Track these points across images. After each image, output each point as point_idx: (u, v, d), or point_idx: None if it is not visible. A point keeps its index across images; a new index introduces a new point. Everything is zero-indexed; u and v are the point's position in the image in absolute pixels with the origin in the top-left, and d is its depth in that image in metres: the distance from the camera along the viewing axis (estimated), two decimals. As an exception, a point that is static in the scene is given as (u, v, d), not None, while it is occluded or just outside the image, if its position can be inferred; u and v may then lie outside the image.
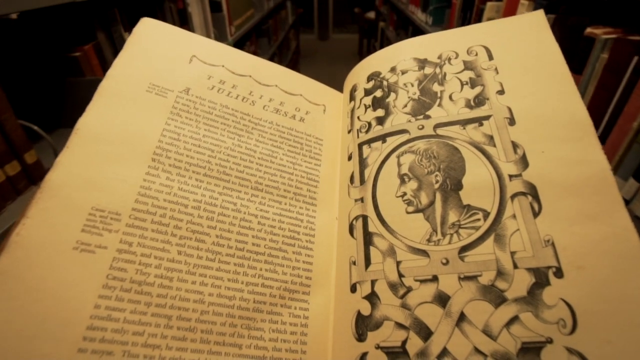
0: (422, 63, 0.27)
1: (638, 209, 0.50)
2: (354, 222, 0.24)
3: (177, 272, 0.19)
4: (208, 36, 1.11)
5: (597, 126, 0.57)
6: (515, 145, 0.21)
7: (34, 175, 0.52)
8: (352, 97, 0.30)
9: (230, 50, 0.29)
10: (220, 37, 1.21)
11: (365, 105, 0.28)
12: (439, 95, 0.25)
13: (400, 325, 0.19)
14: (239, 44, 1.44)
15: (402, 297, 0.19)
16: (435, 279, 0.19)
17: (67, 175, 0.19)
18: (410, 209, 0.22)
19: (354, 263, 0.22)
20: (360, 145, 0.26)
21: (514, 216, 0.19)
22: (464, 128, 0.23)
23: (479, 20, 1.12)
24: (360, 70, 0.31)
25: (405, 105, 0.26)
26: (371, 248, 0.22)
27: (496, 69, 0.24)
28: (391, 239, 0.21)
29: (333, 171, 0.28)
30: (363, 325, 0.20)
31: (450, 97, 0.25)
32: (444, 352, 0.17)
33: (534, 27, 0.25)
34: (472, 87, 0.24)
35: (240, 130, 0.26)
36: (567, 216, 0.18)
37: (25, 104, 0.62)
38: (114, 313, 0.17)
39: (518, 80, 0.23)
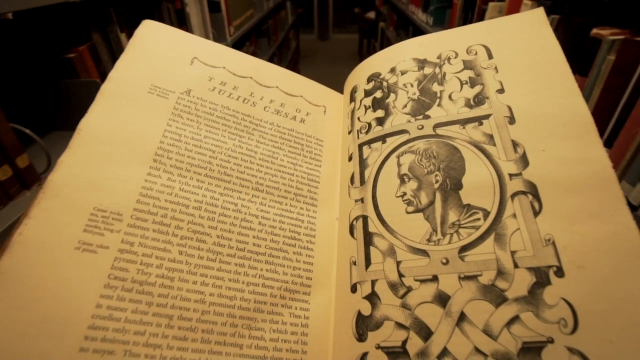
0: (422, 63, 0.27)
1: (646, 215, 0.49)
2: (355, 222, 0.24)
3: (178, 272, 0.20)
4: (206, 37, 1.11)
5: (603, 130, 0.56)
6: (515, 144, 0.21)
7: (27, 180, 0.51)
8: (352, 98, 0.30)
9: (231, 51, 0.30)
10: (218, 37, 1.21)
11: (365, 106, 0.28)
12: (438, 95, 0.25)
13: (400, 325, 0.19)
14: (238, 44, 1.43)
15: (402, 297, 0.19)
16: (435, 278, 0.19)
17: (69, 176, 0.20)
18: (410, 208, 0.22)
19: (355, 263, 0.22)
20: (360, 146, 0.27)
21: (514, 215, 0.19)
22: (464, 127, 0.23)
23: (480, 20, 1.12)
24: (361, 72, 0.31)
25: (405, 106, 0.26)
26: (371, 248, 0.22)
27: (496, 67, 0.24)
28: (391, 239, 0.21)
29: (333, 172, 0.28)
30: (363, 325, 0.20)
31: (449, 97, 0.25)
32: (444, 352, 0.17)
33: (533, 25, 0.25)
34: (472, 86, 0.24)
35: (241, 131, 0.26)
36: (567, 215, 0.18)
37: (18, 106, 0.61)
38: (115, 312, 0.17)
39: (518, 78, 0.23)
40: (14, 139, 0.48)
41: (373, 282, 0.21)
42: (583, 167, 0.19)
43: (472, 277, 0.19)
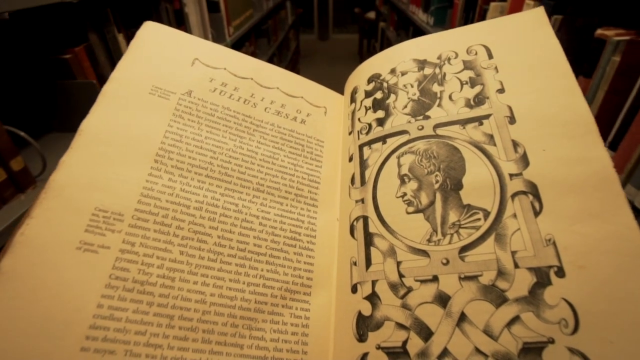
0: (422, 64, 0.27)
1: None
2: (355, 222, 0.24)
3: (179, 272, 0.20)
4: (205, 37, 1.11)
5: (607, 133, 0.54)
6: (515, 144, 0.21)
7: (22, 183, 0.50)
8: (352, 99, 0.30)
9: (232, 53, 0.30)
10: (218, 37, 1.20)
11: (365, 107, 0.28)
12: (438, 95, 0.25)
13: (400, 326, 0.19)
14: (238, 45, 1.43)
15: (403, 297, 0.19)
16: (435, 279, 0.19)
17: (71, 176, 0.20)
18: (411, 209, 0.22)
19: (355, 264, 0.22)
20: (360, 147, 0.27)
21: (514, 215, 0.19)
22: (464, 127, 0.23)
23: (481, 21, 1.11)
24: (361, 73, 0.31)
25: (405, 106, 0.26)
26: (372, 248, 0.22)
27: (496, 67, 0.24)
28: (391, 240, 0.21)
29: (334, 172, 0.28)
30: (364, 326, 0.20)
31: (450, 97, 0.25)
32: (445, 352, 0.17)
33: (534, 25, 0.25)
34: (472, 86, 0.24)
35: (242, 132, 0.26)
36: (568, 215, 0.18)
37: (13, 108, 0.60)
38: (116, 312, 0.17)
39: (518, 78, 0.23)
40: (8, 141, 0.48)
41: (373, 283, 0.21)
42: (584, 166, 0.19)
43: (472, 278, 0.19)
